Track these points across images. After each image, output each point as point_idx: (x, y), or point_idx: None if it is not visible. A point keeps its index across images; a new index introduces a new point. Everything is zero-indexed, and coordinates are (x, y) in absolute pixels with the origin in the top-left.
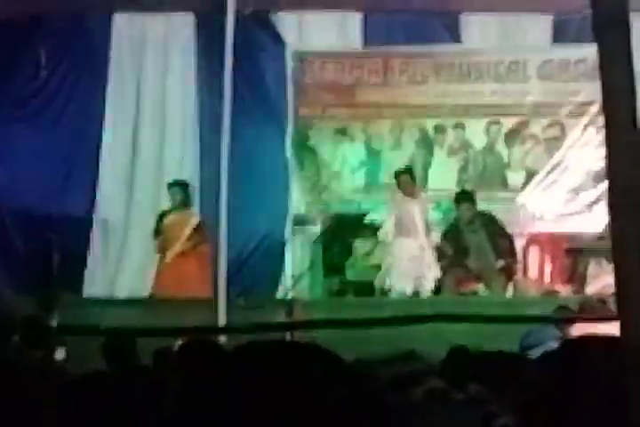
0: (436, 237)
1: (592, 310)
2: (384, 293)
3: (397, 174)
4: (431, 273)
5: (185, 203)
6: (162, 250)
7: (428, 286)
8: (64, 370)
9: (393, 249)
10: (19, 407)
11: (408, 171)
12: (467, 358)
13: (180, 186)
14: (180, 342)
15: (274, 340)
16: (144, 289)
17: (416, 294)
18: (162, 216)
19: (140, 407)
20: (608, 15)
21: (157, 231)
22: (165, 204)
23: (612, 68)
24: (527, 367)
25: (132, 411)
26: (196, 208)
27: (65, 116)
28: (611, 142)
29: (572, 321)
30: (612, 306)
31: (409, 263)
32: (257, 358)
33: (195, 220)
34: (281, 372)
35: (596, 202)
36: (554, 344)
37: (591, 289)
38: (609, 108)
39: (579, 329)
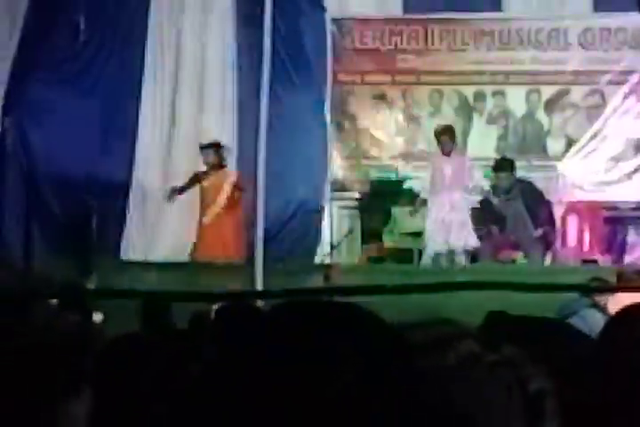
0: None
1: (629, 280)
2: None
3: (437, 133)
4: (463, 233)
5: (220, 164)
6: (200, 212)
7: (459, 246)
8: (102, 333)
9: (427, 208)
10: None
11: (448, 130)
12: (504, 321)
13: (213, 147)
14: (215, 306)
15: (313, 300)
16: (181, 253)
17: (450, 254)
18: (196, 177)
19: (174, 371)
20: None
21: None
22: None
23: None
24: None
25: (165, 374)
26: (233, 172)
27: (103, 81)
28: None
29: (609, 290)
30: None
31: (439, 221)
32: (296, 317)
33: (232, 179)
34: (322, 332)
35: (635, 171)
36: (589, 312)
37: (630, 258)
38: None
39: (616, 299)
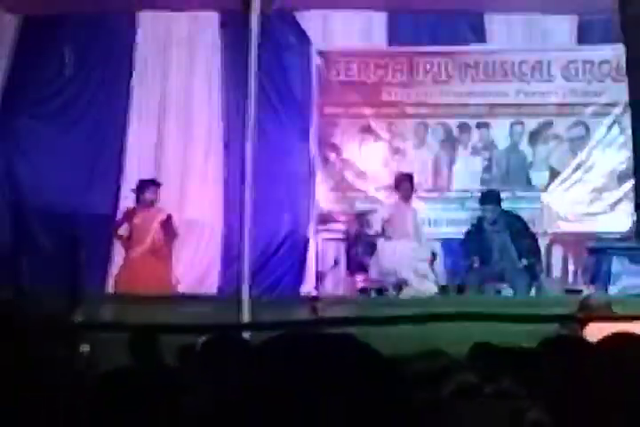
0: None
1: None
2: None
3: (398, 179)
4: (424, 276)
5: (153, 202)
6: (128, 247)
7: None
8: (87, 366)
9: (385, 250)
10: (41, 404)
11: (408, 177)
12: (490, 353)
13: (152, 184)
14: (202, 339)
15: (303, 333)
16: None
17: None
18: (129, 214)
19: (163, 405)
20: (635, 16)
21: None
22: (189, 203)
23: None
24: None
25: (154, 408)
26: (217, 204)
27: (89, 115)
28: (637, 141)
29: (592, 320)
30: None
31: (402, 264)
32: (287, 351)
33: (161, 218)
34: (313, 365)
35: (619, 202)
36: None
37: (614, 289)
38: (635, 107)
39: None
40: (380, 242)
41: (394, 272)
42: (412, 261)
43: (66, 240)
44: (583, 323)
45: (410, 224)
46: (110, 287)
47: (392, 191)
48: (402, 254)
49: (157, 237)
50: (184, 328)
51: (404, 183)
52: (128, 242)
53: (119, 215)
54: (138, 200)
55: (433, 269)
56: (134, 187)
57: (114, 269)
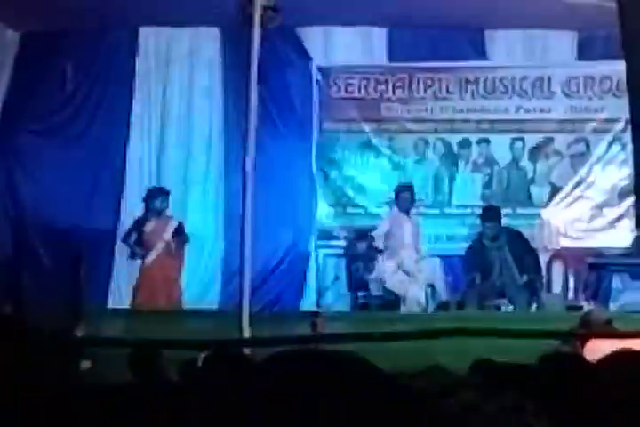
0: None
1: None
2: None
3: (398, 190)
4: (422, 288)
5: (164, 210)
6: (142, 255)
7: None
8: (89, 382)
9: (385, 262)
10: (42, 420)
11: (408, 188)
12: (491, 369)
13: (162, 193)
14: (203, 354)
15: (303, 349)
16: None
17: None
18: (139, 223)
19: (164, 420)
20: (636, 31)
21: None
22: (190, 217)
23: None
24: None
25: (153, 424)
26: (218, 219)
27: (91, 130)
28: (638, 158)
29: (592, 337)
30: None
31: (401, 277)
32: (287, 368)
33: (173, 226)
34: (313, 381)
35: (619, 218)
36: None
37: (614, 305)
38: (636, 123)
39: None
40: (381, 254)
41: (393, 285)
42: (411, 272)
43: (67, 255)
44: (583, 339)
45: (409, 236)
46: (129, 297)
47: (392, 203)
48: (401, 266)
49: (170, 245)
50: (185, 344)
51: (403, 194)
52: (140, 250)
53: (129, 225)
54: (147, 209)
55: (433, 285)
56: (137, 197)
57: (131, 279)
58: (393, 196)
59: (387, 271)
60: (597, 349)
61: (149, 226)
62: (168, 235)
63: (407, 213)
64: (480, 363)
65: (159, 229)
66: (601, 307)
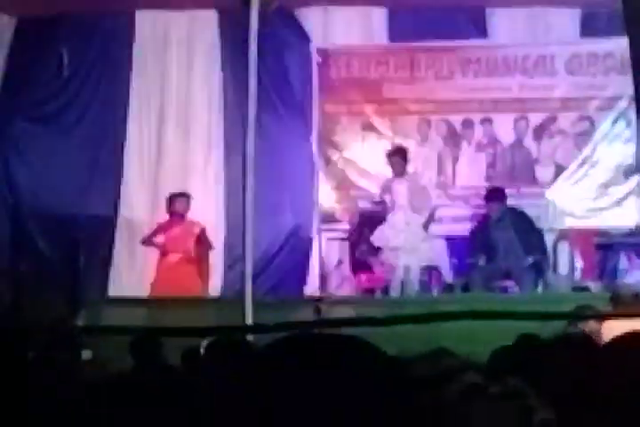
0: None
1: (625, 303)
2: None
3: (389, 155)
4: (414, 250)
5: (184, 214)
6: (163, 253)
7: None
8: (90, 371)
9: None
10: (45, 410)
11: (399, 151)
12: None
13: (183, 197)
14: (205, 341)
15: (307, 334)
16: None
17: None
18: (162, 228)
19: (168, 408)
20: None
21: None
22: (191, 204)
23: None
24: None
25: (157, 412)
26: (218, 204)
27: (88, 116)
28: None
29: (600, 318)
30: None
31: (398, 237)
32: (291, 353)
33: (196, 231)
34: (317, 366)
35: (625, 197)
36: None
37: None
38: None
39: (609, 325)
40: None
41: (392, 246)
42: (409, 230)
43: (65, 243)
44: (602, 319)
45: (404, 197)
46: (145, 292)
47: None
48: (398, 226)
49: (193, 251)
50: (187, 331)
51: (394, 157)
52: (163, 249)
53: (153, 227)
54: (170, 213)
55: (437, 267)
56: (137, 183)
57: (149, 272)
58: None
59: (384, 230)
60: (616, 326)
61: (173, 231)
62: (192, 242)
63: (401, 175)
64: (524, 337)
65: (183, 235)
66: (608, 287)
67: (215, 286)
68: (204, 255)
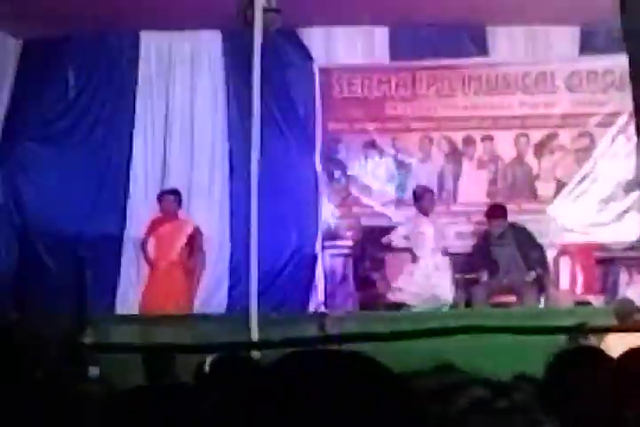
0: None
1: (629, 316)
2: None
3: (420, 192)
4: (444, 293)
5: (176, 212)
6: (153, 261)
7: (441, 306)
8: (97, 388)
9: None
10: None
11: (429, 191)
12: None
13: (173, 194)
14: (210, 358)
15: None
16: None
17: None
18: (154, 224)
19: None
20: (637, 24)
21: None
22: (196, 220)
23: None
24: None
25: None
26: (223, 221)
27: (94, 135)
28: None
29: (602, 332)
30: None
31: (420, 282)
32: (295, 370)
33: (189, 229)
34: (323, 383)
35: (625, 212)
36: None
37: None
38: None
39: (608, 342)
40: (390, 253)
41: (422, 289)
42: (437, 275)
43: (72, 261)
44: (603, 333)
45: (431, 239)
46: (137, 304)
47: (411, 205)
48: (426, 270)
49: (183, 251)
50: (193, 348)
51: (426, 195)
52: (153, 255)
53: (145, 227)
54: (162, 210)
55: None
56: (142, 201)
57: (140, 285)
58: (413, 197)
59: (409, 275)
60: (617, 342)
61: (165, 228)
62: (183, 240)
63: (427, 214)
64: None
65: (174, 232)
66: (609, 301)
67: (221, 302)
68: (196, 257)
